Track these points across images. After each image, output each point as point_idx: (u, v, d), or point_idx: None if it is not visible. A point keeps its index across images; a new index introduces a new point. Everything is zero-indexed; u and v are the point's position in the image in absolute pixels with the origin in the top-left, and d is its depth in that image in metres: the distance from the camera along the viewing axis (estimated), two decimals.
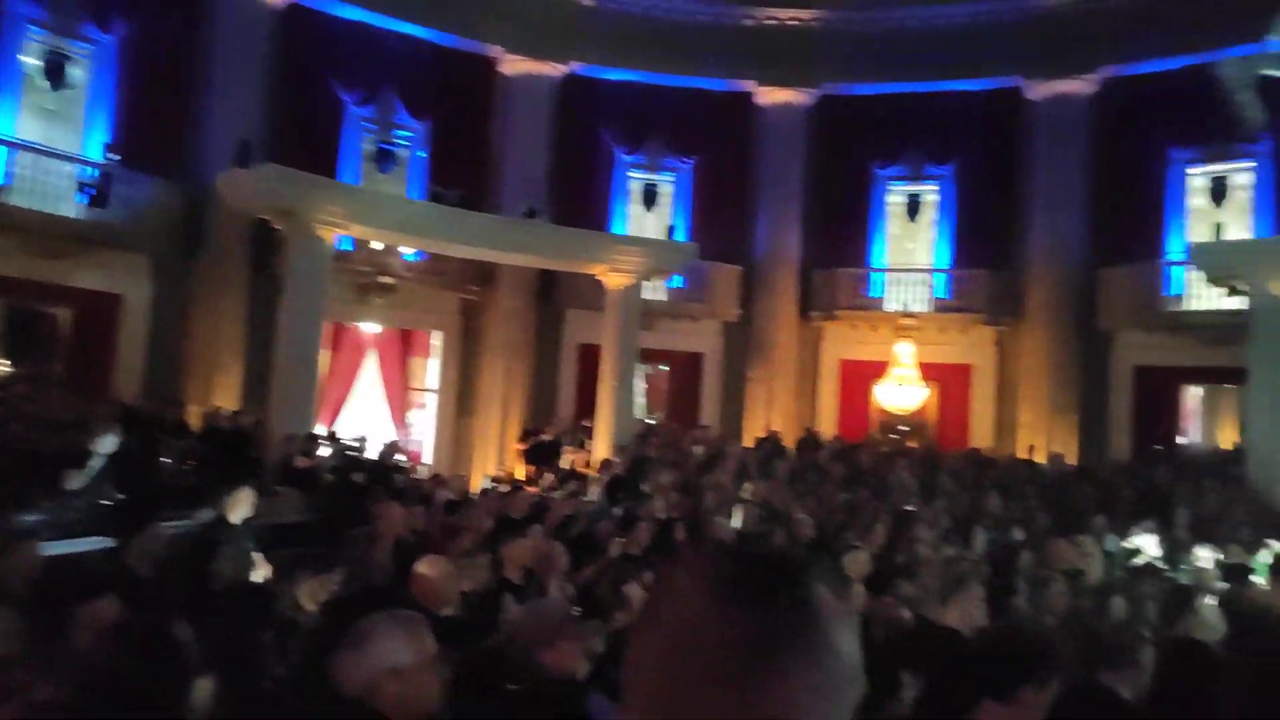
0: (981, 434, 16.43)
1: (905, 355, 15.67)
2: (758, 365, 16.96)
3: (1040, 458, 14.29)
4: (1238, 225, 14.89)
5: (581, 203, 16.53)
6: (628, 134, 17.17)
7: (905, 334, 15.94)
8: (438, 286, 15.92)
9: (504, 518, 7.47)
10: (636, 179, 17.70)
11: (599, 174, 17.26)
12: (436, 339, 16.70)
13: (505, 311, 16.06)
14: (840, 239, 17.33)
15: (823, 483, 12.05)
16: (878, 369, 16.11)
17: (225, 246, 13.80)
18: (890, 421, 16.73)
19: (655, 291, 16.40)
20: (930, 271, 17.30)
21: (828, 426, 16.66)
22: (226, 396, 13.43)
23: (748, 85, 17.11)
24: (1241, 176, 15.02)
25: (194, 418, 12.48)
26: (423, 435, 16.72)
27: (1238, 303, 13.26)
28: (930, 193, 17.45)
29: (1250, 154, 14.49)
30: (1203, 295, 14.41)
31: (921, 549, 7.09)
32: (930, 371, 15.91)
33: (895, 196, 17.65)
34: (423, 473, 12.38)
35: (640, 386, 17.50)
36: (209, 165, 13.34)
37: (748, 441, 15.79)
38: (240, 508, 6.26)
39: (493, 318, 16.16)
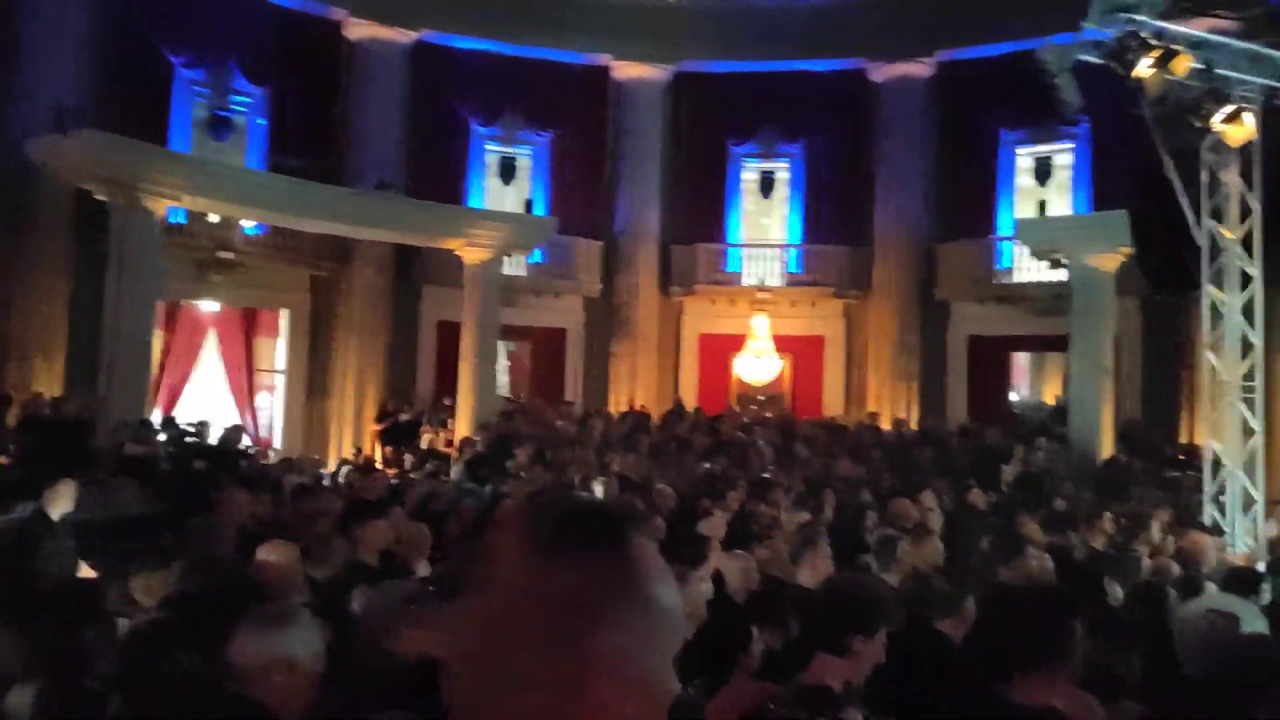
0: (833, 402, 17.17)
1: (761, 328, 16.16)
2: (620, 340, 17.08)
3: (885, 423, 15.05)
4: (1060, 203, 16.08)
5: (436, 176, 16.10)
6: (483, 106, 16.82)
7: (761, 308, 16.43)
8: (285, 262, 15.18)
9: (359, 500, 7.24)
10: (493, 152, 17.39)
11: (454, 146, 16.85)
12: (283, 318, 15.94)
13: (359, 288, 15.50)
14: (698, 214, 17.63)
15: (685, 454, 12.31)
16: (736, 342, 16.56)
17: (43, 220, 12.68)
18: (748, 393, 17.23)
19: (516, 267, 16.22)
20: (783, 247, 17.85)
21: (689, 399, 16.99)
22: (49, 383, 12.41)
23: (604, 59, 17.07)
24: (1063, 157, 16.17)
25: (13, 406, 11.47)
26: (272, 419, 16.00)
27: (1060, 275, 14.32)
28: (782, 170, 17.96)
29: (1071, 136, 15.62)
30: (1029, 268, 15.49)
31: (775, 513, 7.36)
32: (785, 344, 16.47)
33: (749, 173, 18.07)
34: (272, 458, 11.85)
35: (503, 364, 17.33)
36: (23, 131, 12.20)
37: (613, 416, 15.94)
38: (61, 501, 5.81)
39: (346, 295, 15.56)
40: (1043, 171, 15.92)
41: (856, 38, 16.22)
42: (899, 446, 13.03)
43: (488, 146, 17.32)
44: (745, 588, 4.84)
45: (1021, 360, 17.91)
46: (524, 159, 17.59)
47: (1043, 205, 16.01)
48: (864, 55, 16.62)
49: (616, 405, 16.48)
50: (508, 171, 17.29)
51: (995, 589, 4.94)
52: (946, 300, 16.60)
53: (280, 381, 16.03)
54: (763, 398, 17.23)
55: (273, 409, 16.06)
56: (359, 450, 14.13)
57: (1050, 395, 16.87)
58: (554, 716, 0.84)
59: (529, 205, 16.63)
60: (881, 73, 16.72)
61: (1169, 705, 3.45)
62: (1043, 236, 14.17)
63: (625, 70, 17.19)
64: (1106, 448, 12.84)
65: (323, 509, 6.62)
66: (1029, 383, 18.23)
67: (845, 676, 2.46)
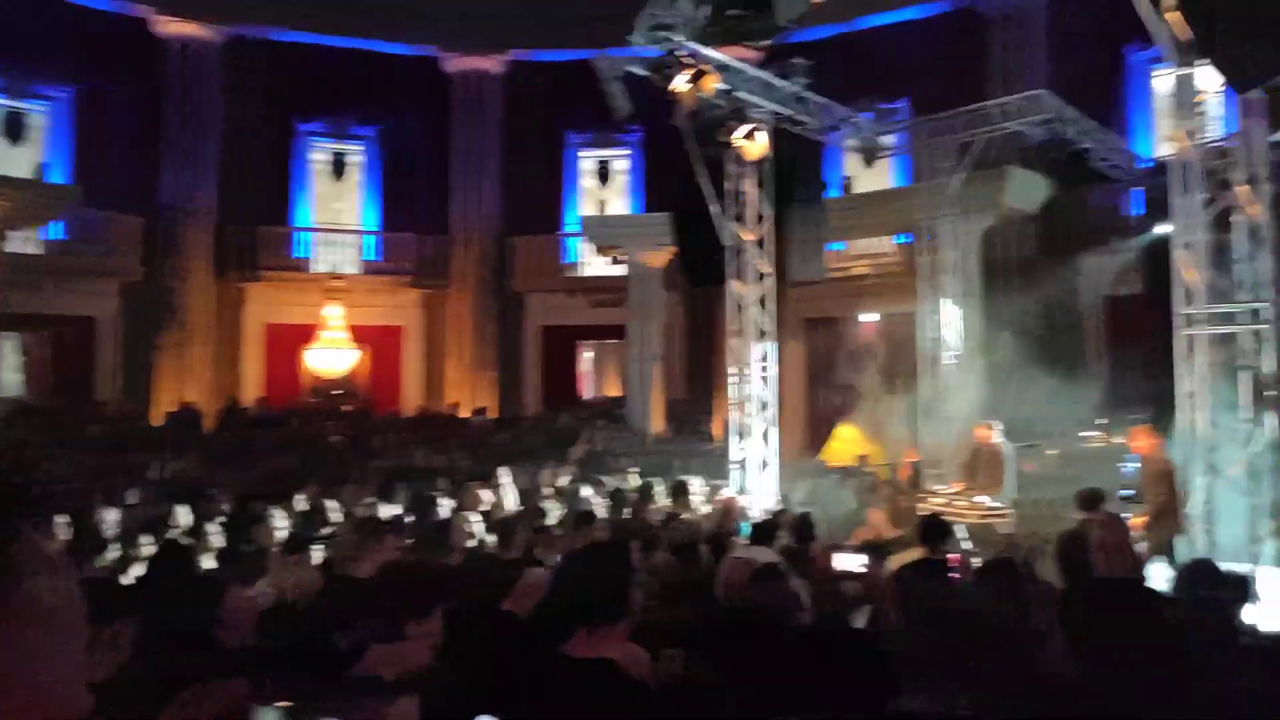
0: (413, 394, 16.98)
1: (335, 318, 15.41)
2: (168, 330, 15.15)
3: (466, 413, 15.25)
4: (619, 203, 17.54)
5: None
6: None
7: (335, 296, 15.66)
8: None
9: None
10: None
11: None
12: None
13: None
14: (262, 194, 16.25)
15: (246, 453, 11.30)
16: (307, 332, 15.60)
17: None
18: (323, 385, 16.35)
19: (27, 244, 13.59)
20: (359, 233, 17.21)
21: (253, 393, 15.63)
22: None
23: (142, 9, 14.97)
24: (621, 162, 17.65)
25: None
26: None
27: (620, 270, 15.63)
28: (356, 153, 17.29)
29: (627, 143, 17.11)
30: (593, 263, 16.71)
31: (346, 508, 7.03)
32: (361, 334, 15.90)
33: (320, 153, 17.12)
34: None
35: (12, 359, 14.47)
36: None
37: (159, 416, 14.10)
38: None
39: None
40: (604, 173, 17.24)
41: (431, 25, 16.10)
42: (478, 435, 13.27)
43: None
44: (309, 590, 4.54)
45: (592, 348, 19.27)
46: (38, 116, 14.78)
47: (603, 204, 17.34)
48: (438, 44, 16.58)
49: (164, 404, 14.61)
50: (16, 130, 14.41)
51: (597, 546, 5.19)
52: (521, 292, 17.26)
53: None
54: (339, 390, 16.46)
55: None
56: None
57: (612, 385, 18.34)
58: None
59: (43, 170, 14.01)
60: (455, 64, 16.82)
61: (706, 645, 3.86)
62: (603, 233, 15.35)
63: (170, 26, 15.24)
64: (658, 425, 14.31)
65: None
66: (597, 370, 19.67)
67: (403, 663, 2.37)
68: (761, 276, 10.23)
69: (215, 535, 5.99)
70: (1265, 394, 5.99)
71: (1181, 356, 6.23)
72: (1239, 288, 6.19)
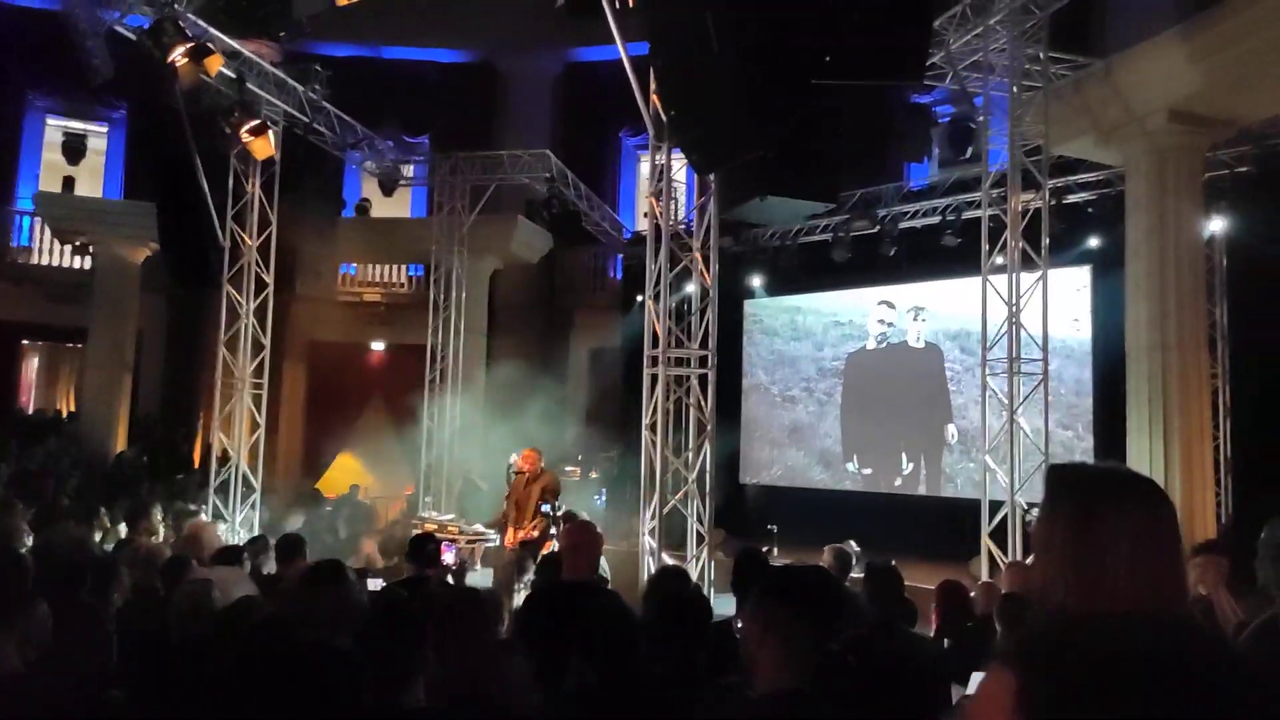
0: None
1: None
2: None
3: None
4: (93, 184, 15.02)
5: None
6: None
7: None
8: None
9: None
10: None
11: None
12: None
13: None
14: None
15: None
16: None
17: None
18: None
19: None
20: None
21: None
22: None
23: None
24: (99, 140, 15.18)
25: None
26: None
27: (87, 261, 13.35)
28: None
29: (108, 119, 14.82)
30: (51, 250, 14.05)
31: None
32: None
33: None
34: None
35: None
36: None
37: None
38: None
39: None
40: (76, 148, 14.60)
41: None
42: None
43: None
44: None
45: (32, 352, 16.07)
46: None
47: (71, 183, 14.73)
48: None
49: None
50: None
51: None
52: None
53: None
54: None
55: None
56: None
57: (64, 395, 15.54)
58: None
59: None
60: None
61: (148, 685, 3.35)
62: (66, 216, 13.02)
63: None
64: (120, 443, 12.42)
65: None
66: (48, 377, 16.46)
67: None
68: (261, 287, 9.50)
69: None
70: (706, 428, 7.09)
71: (646, 393, 7.11)
72: (691, 338, 7.28)
